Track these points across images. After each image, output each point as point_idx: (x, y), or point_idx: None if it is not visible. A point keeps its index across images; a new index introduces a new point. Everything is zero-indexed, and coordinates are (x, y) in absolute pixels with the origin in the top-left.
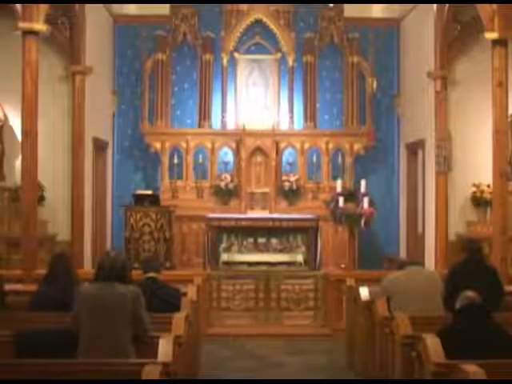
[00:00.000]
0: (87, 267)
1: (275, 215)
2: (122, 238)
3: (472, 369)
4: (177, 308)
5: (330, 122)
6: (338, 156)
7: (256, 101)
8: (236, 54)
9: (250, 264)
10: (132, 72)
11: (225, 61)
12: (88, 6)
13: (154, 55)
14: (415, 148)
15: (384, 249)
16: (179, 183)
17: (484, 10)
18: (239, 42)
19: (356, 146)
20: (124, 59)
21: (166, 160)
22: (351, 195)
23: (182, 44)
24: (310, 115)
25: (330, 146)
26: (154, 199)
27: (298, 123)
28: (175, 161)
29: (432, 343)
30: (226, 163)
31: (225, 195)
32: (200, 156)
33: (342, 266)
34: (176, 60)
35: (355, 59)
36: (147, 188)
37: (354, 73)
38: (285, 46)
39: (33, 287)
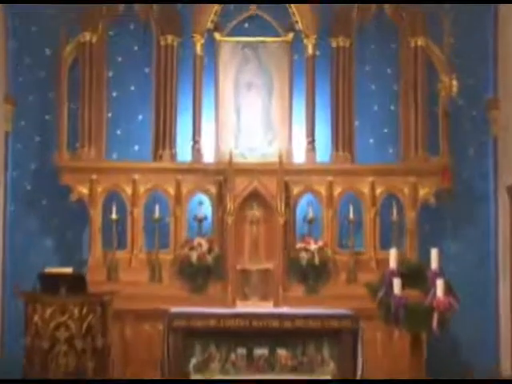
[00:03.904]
0: None
1: (284, 309)
2: (19, 348)
3: None
4: None
5: (376, 151)
6: (392, 208)
7: (251, 115)
8: (217, 36)
9: None
10: (39, 65)
11: (198, 47)
12: None
13: (78, 36)
14: None
15: (473, 364)
16: (120, 255)
17: None
18: (222, 16)
19: (422, 191)
20: (25, 43)
21: (97, 215)
22: (415, 275)
23: (126, 17)
24: (344, 139)
25: (378, 190)
26: (77, 282)
27: (323, 153)
28: (113, 216)
29: None
30: (201, 220)
31: (198, 275)
32: (156, 208)
33: None
34: (115, 44)
35: (420, 42)
36: (65, 263)
37: (419, 66)
38: (301, 21)
39: None
